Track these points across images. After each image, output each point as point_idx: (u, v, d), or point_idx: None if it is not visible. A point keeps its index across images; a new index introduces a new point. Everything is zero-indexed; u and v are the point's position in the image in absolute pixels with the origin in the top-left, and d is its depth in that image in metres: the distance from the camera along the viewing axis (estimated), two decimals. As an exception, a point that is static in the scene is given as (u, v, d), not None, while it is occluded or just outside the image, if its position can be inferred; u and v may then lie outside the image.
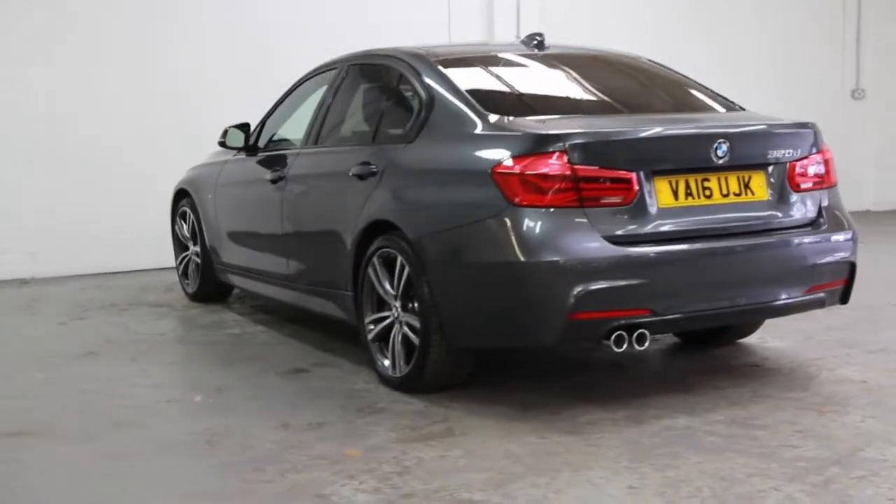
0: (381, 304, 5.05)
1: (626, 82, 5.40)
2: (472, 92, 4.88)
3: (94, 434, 4.46)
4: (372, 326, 5.07)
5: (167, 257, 8.62)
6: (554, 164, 4.24)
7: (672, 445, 4.07)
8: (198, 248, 7.23)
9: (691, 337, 5.60)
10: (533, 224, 4.24)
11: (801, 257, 4.65)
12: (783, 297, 4.62)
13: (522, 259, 4.22)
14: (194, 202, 7.22)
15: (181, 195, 7.51)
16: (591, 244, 4.24)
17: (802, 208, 4.73)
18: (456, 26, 9.90)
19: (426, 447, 4.12)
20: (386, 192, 4.93)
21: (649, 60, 5.73)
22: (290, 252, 5.88)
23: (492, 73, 5.21)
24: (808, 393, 4.77)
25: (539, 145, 4.30)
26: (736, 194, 4.57)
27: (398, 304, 4.87)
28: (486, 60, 5.34)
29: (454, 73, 5.05)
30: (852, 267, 4.82)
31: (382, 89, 5.61)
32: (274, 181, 6.00)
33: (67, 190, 8.72)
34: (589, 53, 5.69)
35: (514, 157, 4.32)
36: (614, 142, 4.36)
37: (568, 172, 4.25)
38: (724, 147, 4.48)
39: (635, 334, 4.31)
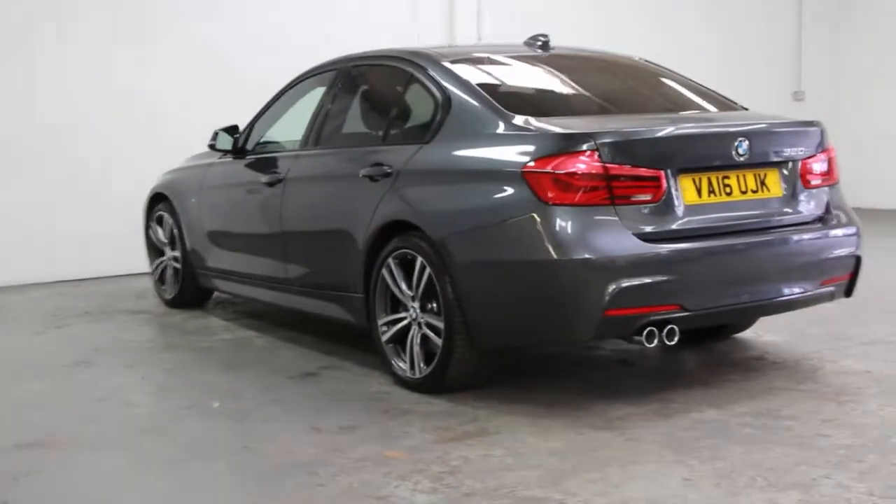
0: (395, 306, 5.04)
1: (634, 82, 5.48)
2: (489, 92, 4.91)
3: (122, 442, 4.38)
4: (385, 328, 5.06)
5: (127, 264, 8.59)
6: (586, 163, 4.29)
7: (710, 438, 4.15)
8: (177, 253, 7.12)
9: (690, 333, 5.68)
10: (567, 222, 4.29)
11: (817, 252, 4.78)
12: (800, 290, 4.75)
13: (559, 257, 4.26)
14: (173, 206, 7.11)
15: (157, 199, 7.38)
16: (624, 242, 4.30)
17: (813, 204, 4.86)
18: (421, 30, 9.91)
19: (466, 447, 4.13)
20: (403, 192, 4.93)
21: (646, 61, 5.82)
22: (289, 255, 5.84)
23: (504, 74, 5.25)
24: (820, 384, 4.89)
25: (570, 144, 4.35)
26: (753, 191, 4.68)
27: (416, 304, 4.87)
28: (495, 61, 5.37)
29: (467, 74, 5.07)
30: (858, 261, 4.96)
31: (390, 90, 5.60)
32: (271, 183, 5.95)
33: (22, 197, 8.48)
34: (592, 55, 5.76)
35: (546, 157, 4.35)
36: (643, 140, 4.43)
37: (600, 171, 4.30)
38: (745, 145, 4.58)
39: (666, 330, 4.37)
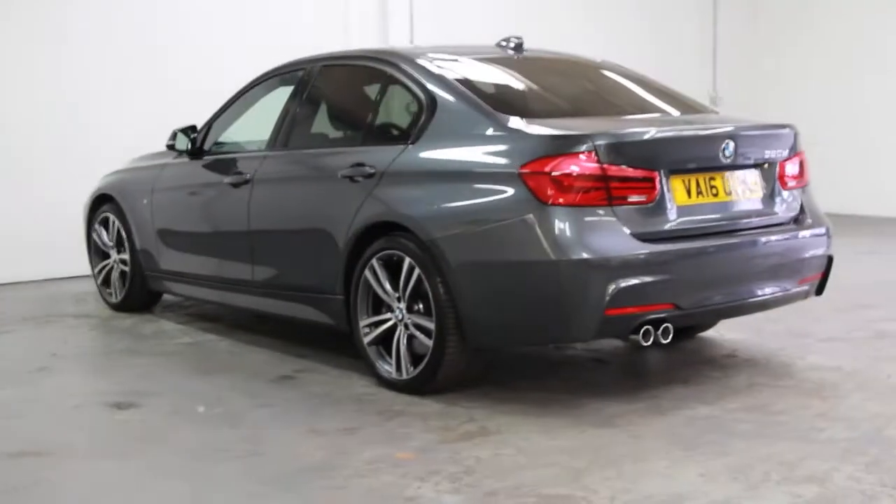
0: (378, 307, 5.02)
1: (609, 84, 5.55)
2: (475, 93, 4.93)
3: (118, 449, 4.28)
4: (368, 330, 5.04)
5: (56, 267, 8.32)
6: (585, 164, 4.34)
7: (710, 433, 4.24)
8: (125, 256, 6.95)
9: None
10: (568, 223, 4.33)
11: (797, 251, 4.92)
12: (781, 289, 4.88)
13: (560, 257, 4.30)
14: (121, 208, 6.94)
15: (101, 201, 7.20)
16: (624, 242, 4.37)
17: (789, 205, 5.01)
18: (353, 32, 9.87)
19: (474, 446, 4.14)
20: (388, 193, 4.91)
21: (613, 63, 5.89)
22: (256, 257, 5.76)
23: (484, 75, 5.26)
24: (797, 380, 5.04)
25: (568, 145, 4.39)
26: (737, 193, 4.79)
27: (403, 305, 4.85)
28: (473, 62, 5.37)
29: (450, 75, 5.07)
30: (830, 260, 5.12)
31: (367, 90, 5.57)
32: (235, 184, 5.85)
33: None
34: (562, 57, 5.81)
35: (543, 157, 4.39)
36: (639, 142, 4.51)
37: (598, 172, 4.36)
38: (731, 147, 4.70)
39: (661, 328, 4.45)
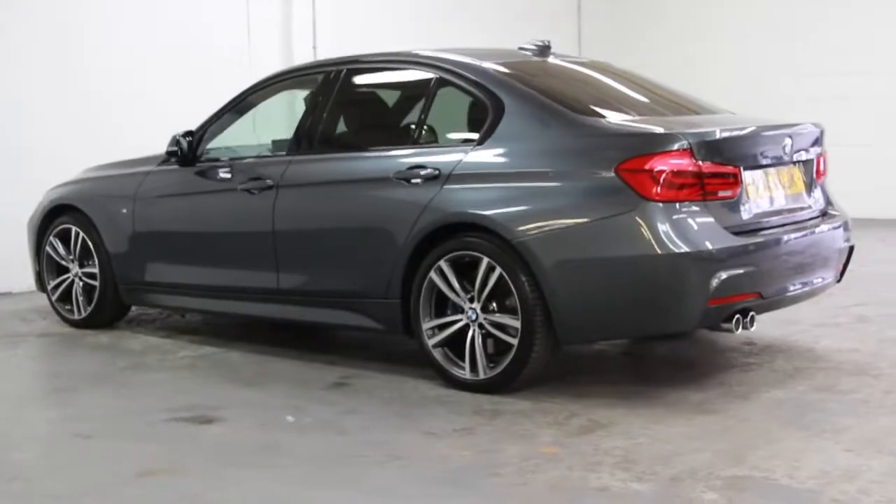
0: (441, 309, 5.02)
1: (643, 86, 5.71)
2: (541, 94, 5.01)
3: (246, 461, 4.13)
4: (431, 332, 5.03)
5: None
6: (684, 161, 4.53)
7: (809, 414, 4.50)
8: (92, 269, 6.59)
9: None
10: (671, 218, 4.50)
11: (837, 240, 5.27)
12: (827, 277, 5.21)
13: (668, 251, 4.46)
14: (89, 218, 6.58)
15: (58, 212, 6.80)
16: (720, 235, 4.59)
17: (821, 198, 5.35)
18: (255, 40, 9.72)
19: (606, 438, 4.23)
20: (460, 195, 4.93)
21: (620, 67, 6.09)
22: (283, 264, 5.62)
23: (535, 77, 5.33)
24: (834, 362, 5.37)
25: (666, 143, 4.57)
26: (791, 187, 5.09)
27: (477, 306, 4.88)
28: (518, 65, 5.43)
29: (510, 77, 5.14)
30: (851, 249, 5.49)
31: (412, 93, 5.56)
32: (253, 190, 5.69)
33: None
34: (590, 61, 5.94)
35: (643, 155, 4.54)
36: (725, 139, 4.73)
37: (694, 168, 4.54)
38: (790, 144, 4.99)
39: (748, 316, 4.67)
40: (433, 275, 4.99)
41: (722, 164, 4.66)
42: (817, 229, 5.17)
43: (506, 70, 5.23)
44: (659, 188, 4.51)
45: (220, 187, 5.93)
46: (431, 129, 5.34)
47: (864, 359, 5.41)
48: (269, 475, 3.94)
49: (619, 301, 4.62)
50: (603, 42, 12.45)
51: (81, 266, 6.72)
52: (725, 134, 4.73)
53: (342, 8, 10.43)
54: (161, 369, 5.66)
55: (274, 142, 6.28)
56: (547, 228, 4.67)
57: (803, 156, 5.20)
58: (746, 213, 4.79)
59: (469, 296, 4.91)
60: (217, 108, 6.23)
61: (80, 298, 6.72)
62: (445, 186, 4.98)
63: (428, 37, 10.49)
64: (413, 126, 5.38)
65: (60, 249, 6.78)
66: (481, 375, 4.90)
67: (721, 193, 4.66)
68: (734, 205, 4.73)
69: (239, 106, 6.15)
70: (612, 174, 4.57)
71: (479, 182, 4.93)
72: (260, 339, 6.22)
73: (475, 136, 5.07)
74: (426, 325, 5.05)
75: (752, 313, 4.70)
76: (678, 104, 5.48)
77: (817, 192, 5.33)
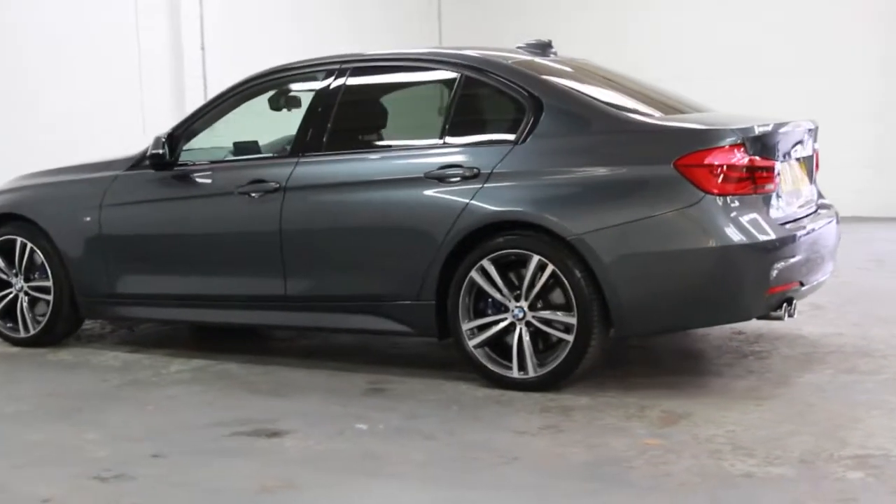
0: (479, 310, 4.99)
1: (648, 86, 5.82)
2: (578, 92, 5.06)
3: (373, 470, 3.96)
4: (472, 333, 4.98)
5: None
6: (739, 155, 4.67)
7: (854, 395, 4.74)
8: (45, 283, 6.12)
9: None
10: (732, 210, 4.64)
11: (837, 231, 5.53)
12: (832, 266, 5.47)
13: (731, 242, 4.60)
14: (40, 228, 6.12)
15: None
16: (774, 226, 4.77)
17: (816, 192, 5.63)
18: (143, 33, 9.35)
19: (695, 428, 4.31)
20: (504, 193, 4.90)
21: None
22: (293, 270, 5.40)
23: (563, 75, 5.34)
24: (833, 346, 5.64)
25: (723, 138, 4.70)
26: (801, 180, 5.33)
27: (524, 304, 4.87)
28: (538, 66, 5.42)
29: (542, 76, 5.15)
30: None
31: (435, 92, 5.46)
32: (253, 193, 5.45)
33: None
34: (572, 59, 5.97)
35: (702, 150, 4.66)
36: (765, 134, 4.89)
37: (749, 163, 4.70)
38: (805, 139, 5.24)
39: (792, 304, 4.87)
40: (475, 274, 4.93)
41: (766, 158, 4.83)
42: (827, 220, 5.41)
43: (535, 68, 5.23)
44: (718, 182, 4.63)
45: (210, 191, 5.66)
46: (460, 128, 5.24)
47: (856, 342, 5.71)
48: (398, 483, 3.82)
49: (682, 293, 4.71)
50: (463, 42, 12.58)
51: (27, 280, 6.23)
52: (763, 129, 4.90)
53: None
54: (165, 385, 5.32)
55: (239, 144, 5.97)
56: (604, 224, 4.71)
57: (809, 150, 5.44)
58: (783, 205, 4.97)
59: (515, 294, 4.88)
60: (195, 109, 5.94)
61: (27, 315, 6.23)
62: (487, 185, 4.93)
63: (305, 36, 10.42)
64: (443, 125, 5.26)
65: (0, 263, 6.27)
66: (530, 374, 4.88)
67: (767, 186, 4.82)
68: (775, 197, 4.91)
69: (221, 106, 5.85)
70: (671, 169, 4.65)
71: (524, 180, 4.90)
72: (231, 348, 5.99)
73: (511, 134, 5.04)
74: (466, 325, 4.99)
75: (795, 301, 4.89)
76: (676, 102, 5.63)
77: (814, 185, 5.60)
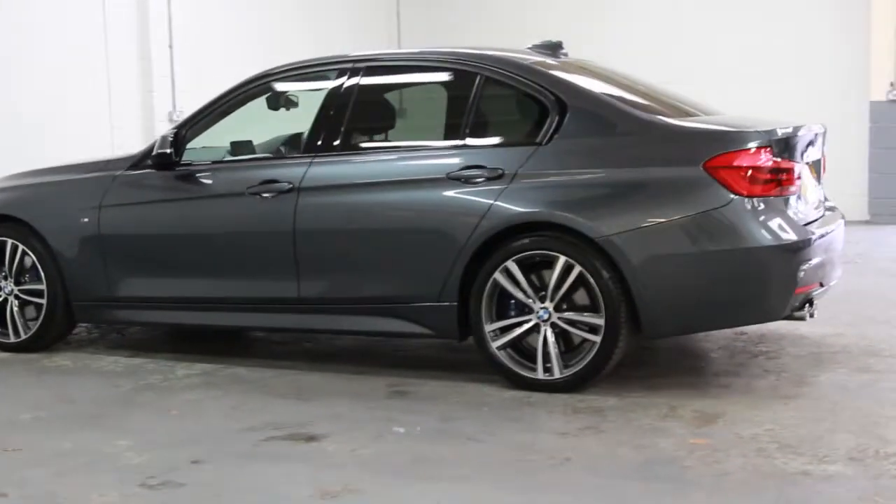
0: (501, 312, 4.97)
1: (660, 89, 5.84)
2: (602, 93, 5.07)
3: (431, 474, 3.90)
4: (494, 334, 4.97)
5: None
6: (768, 158, 4.73)
7: (878, 393, 4.82)
8: (38, 286, 5.96)
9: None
10: (761, 212, 4.69)
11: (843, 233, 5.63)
12: (840, 268, 5.56)
13: (761, 243, 4.65)
14: (33, 229, 5.96)
15: (-15, 223, 6.10)
16: (800, 227, 4.83)
17: (823, 195, 5.71)
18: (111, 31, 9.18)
19: (734, 427, 4.34)
20: (531, 193, 4.89)
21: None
22: (306, 272, 5.32)
23: (584, 78, 5.34)
24: (838, 346, 5.73)
25: (752, 140, 4.75)
26: (811, 184, 5.40)
27: (550, 305, 4.87)
28: (557, 66, 5.42)
29: (563, 77, 5.16)
30: (836, 242, 5.89)
31: (454, 92, 5.40)
32: (265, 194, 5.37)
33: None
34: (576, 60, 5.98)
35: (732, 152, 4.70)
36: (787, 137, 4.95)
37: (774, 164, 4.76)
38: (819, 143, 5.32)
39: (814, 304, 4.94)
40: (498, 275, 4.91)
41: (790, 160, 4.89)
42: (837, 223, 5.49)
43: (554, 69, 5.22)
44: (747, 184, 4.67)
45: (219, 191, 5.56)
46: (481, 129, 5.23)
47: (858, 341, 5.81)
48: (464, 486, 3.76)
49: (712, 294, 4.75)
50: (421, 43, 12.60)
51: (17, 283, 6.06)
52: (786, 132, 4.96)
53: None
54: (179, 389, 5.21)
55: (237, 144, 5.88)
56: (634, 225, 4.73)
57: (818, 154, 5.52)
58: (803, 207, 5.04)
59: (540, 295, 4.87)
60: (198, 108, 5.81)
61: (18, 319, 6.06)
62: (511, 186, 4.92)
63: (272, 37, 10.33)
64: (465, 125, 5.22)
65: (-13, 265, 6.09)
66: (556, 375, 4.88)
67: (790, 188, 4.88)
68: (796, 199, 4.97)
69: (229, 104, 5.75)
70: (700, 171, 4.69)
71: (550, 181, 4.90)
72: (229, 351, 5.94)
73: (533, 136, 5.03)
74: (489, 327, 4.97)
75: (816, 301, 4.95)
76: (686, 105, 5.66)
77: (821, 188, 5.68)
